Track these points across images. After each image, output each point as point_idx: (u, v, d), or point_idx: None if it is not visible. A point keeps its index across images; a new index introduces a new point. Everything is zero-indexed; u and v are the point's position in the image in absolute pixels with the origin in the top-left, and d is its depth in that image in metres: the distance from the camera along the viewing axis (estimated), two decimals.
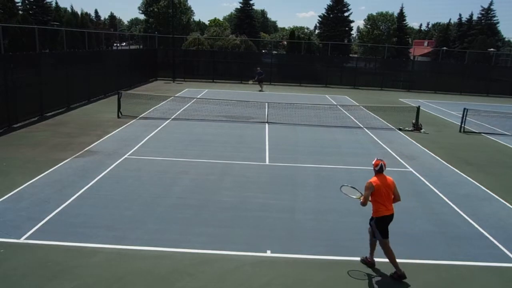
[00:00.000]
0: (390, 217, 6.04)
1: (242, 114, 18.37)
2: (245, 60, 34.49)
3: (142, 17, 71.06)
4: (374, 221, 6.04)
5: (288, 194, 9.19)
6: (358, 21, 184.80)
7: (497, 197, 9.64)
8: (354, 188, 6.30)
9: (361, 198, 6.06)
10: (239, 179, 9.98)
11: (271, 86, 31.41)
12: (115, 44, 36.89)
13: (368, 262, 6.33)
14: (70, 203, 8.02)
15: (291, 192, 9.28)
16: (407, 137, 15.76)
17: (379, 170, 6.08)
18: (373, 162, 6.18)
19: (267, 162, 11.48)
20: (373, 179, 6.04)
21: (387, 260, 6.47)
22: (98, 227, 7.14)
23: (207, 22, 78.26)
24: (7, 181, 9.02)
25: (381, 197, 5.96)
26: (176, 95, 23.31)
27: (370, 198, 6.02)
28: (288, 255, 6.52)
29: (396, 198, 6.21)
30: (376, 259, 6.54)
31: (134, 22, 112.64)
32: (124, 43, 41.37)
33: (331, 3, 59.18)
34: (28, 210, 7.62)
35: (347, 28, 60.61)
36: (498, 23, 61.77)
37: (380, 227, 5.98)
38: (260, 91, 27.83)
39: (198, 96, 23.14)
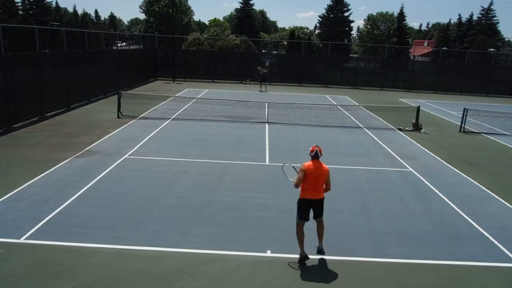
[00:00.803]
0: (314, 202, 6.24)
1: (242, 114, 18.37)
2: (245, 60, 34.51)
3: (142, 17, 71.16)
4: (298, 201, 6.35)
5: (288, 194, 9.15)
6: (358, 21, 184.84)
7: (497, 197, 9.64)
8: (294, 169, 6.53)
9: (296, 180, 6.24)
10: (239, 179, 9.98)
11: (271, 86, 31.41)
12: (119, 44, 36.98)
13: (302, 256, 6.29)
14: (70, 203, 8.02)
15: (291, 192, 9.24)
16: (407, 137, 15.77)
17: (314, 156, 6.27)
18: (310, 148, 6.38)
19: (267, 162, 11.49)
20: (308, 163, 6.23)
21: (386, 260, 6.49)
22: (98, 227, 7.14)
23: (207, 22, 78.35)
24: (7, 181, 9.02)
25: (310, 181, 6.15)
26: (176, 95, 23.32)
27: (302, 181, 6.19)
28: (288, 255, 6.52)
29: (327, 188, 6.37)
30: (375, 259, 6.55)
31: (134, 22, 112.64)
32: (124, 43, 41.39)
33: (331, 3, 59.22)
34: (28, 210, 7.62)
35: (347, 28, 60.64)
36: (498, 23, 61.87)
37: (300, 207, 6.27)
38: (260, 91, 27.83)
39: (198, 96, 23.14)
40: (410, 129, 16.97)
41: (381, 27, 64.04)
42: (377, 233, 7.47)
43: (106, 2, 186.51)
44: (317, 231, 6.40)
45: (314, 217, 6.37)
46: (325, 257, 6.52)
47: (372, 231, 7.54)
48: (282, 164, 6.77)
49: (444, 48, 49.50)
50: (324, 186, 6.31)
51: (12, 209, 7.61)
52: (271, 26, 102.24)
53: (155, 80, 32.02)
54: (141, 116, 17.03)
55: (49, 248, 6.37)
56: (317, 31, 73.49)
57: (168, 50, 34.97)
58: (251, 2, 61.03)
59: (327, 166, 6.33)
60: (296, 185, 6.24)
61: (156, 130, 14.63)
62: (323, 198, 6.32)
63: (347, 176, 10.61)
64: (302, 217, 6.29)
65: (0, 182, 8.94)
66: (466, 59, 41.57)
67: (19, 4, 49.25)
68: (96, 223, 7.26)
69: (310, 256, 6.30)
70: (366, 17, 70.99)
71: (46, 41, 31.43)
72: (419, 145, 14.50)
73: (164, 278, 5.78)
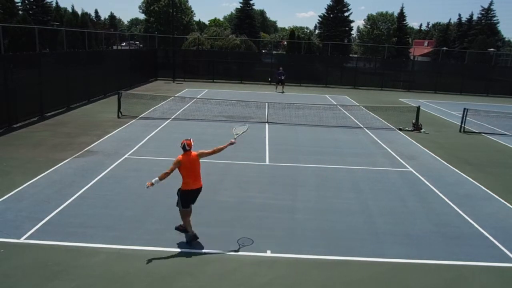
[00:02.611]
0: (196, 191, 6.68)
1: (242, 114, 18.37)
2: (245, 60, 34.51)
3: (142, 16, 71.08)
4: (180, 192, 6.65)
5: (288, 194, 9.19)
6: (358, 21, 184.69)
7: (497, 197, 9.65)
8: (244, 126, 7.28)
9: (168, 169, 6.52)
10: (239, 179, 9.98)
11: (271, 86, 31.40)
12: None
13: (180, 229, 6.77)
14: (70, 203, 8.02)
15: (291, 192, 9.28)
16: (407, 137, 15.77)
17: (183, 148, 6.62)
18: (181, 142, 6.71)
19: (267, 162, 11.49)
20: (180, 156, 6.62)
21: (386, 260, 6.50)
22: (98, 227, 7.14)
23: (207, 22, 78.36)
24: (7, 181, 9.02)
25: (188, 171, 6.56)
26: (176, 95, 23.31)
27: (181, 173, 6.58)
28: (288, 255, 6.52)
29: (214, 151, 6.96)
30: (375, 259, 6.55)
31: (134, 22, 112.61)
32: (124, 43, 41.39)
33: (331, 3, 59.13)
34: (28, 210, 7.63)
35: (347, 28, 60.55)
36: (498, 23, 61.75)
37: (183, 198, 6.61)
38: (280, 92, 27.64)
39: (198, 96, 23.14)
40: (410, 129, 16.97)
41: (381, 27, 64.02)
42: (377, 233, 7.47)
43: (106, 2, 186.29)
44: (183, 220, 6.72)
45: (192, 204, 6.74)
46: (325, 257, 6.53)
47: (372, 231, 7.54)
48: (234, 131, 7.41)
49: (444, 48, 49.46)
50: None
51: (12, 209, 7.61)
52: (271, 26, 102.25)
53: (155, 80, 32.02)
54: (141, 116, 17.03)
55: (49, 248, 6.37)
56: (317, 31, 73.47)
57: (168, 50, 34.97)
58: (251, 2, 60.96)
59: (195, 152, 6.71)
60: (166, 174, 6.47)
61: (156, 130, 14.63)
62: (201, 186, 6.75)
63: (347, 176, 10.61)
64: (186, 206, 6.66)
65: (0, 182, 8.94)
66: (466, 59, 41.55)
67: (19, 4, 49.25)
68: (96, 223, 7.27)
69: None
70: (366, 17, 71.04)
71: (46, 41, 31.39)
72: (419, 145, 14.50)
73: (164, 278, 5.78)
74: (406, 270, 6.29)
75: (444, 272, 6.31)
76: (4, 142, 12.18)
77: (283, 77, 27.93)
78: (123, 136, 13.53)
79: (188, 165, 6.56)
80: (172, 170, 6.48)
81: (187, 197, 6.63)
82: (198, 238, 6.69)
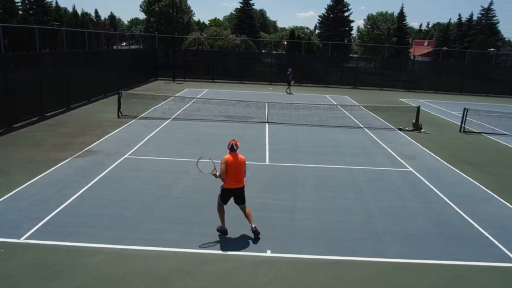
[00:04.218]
0: (237, 190, 6.92)
1: (242, 114, 18.37)
2: (245, 60, 34.50)
3: (142, 16, 71.13)
4: (221, 189, 6.95)
5: (288, 194, 9.18)
6: (358, 21, 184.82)
7: (497, 197, 9.65)
8: (213, 163, 6.98)
9: (216, 172, 6.87)
10: None
11: (271, 85, 31.42)
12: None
13: (222, 230, 7.09)
14: (70, 203, 8.02)
15: (291, 192, 9.28)
16: (407, 137, 15.77)
17: (231, 149, 6.88)
18: (228, 142, 6.98)
19: (267, 162, 11.48)
20: (227, 156, 6.87)
21: (386, 260, 6.50)
22: (98, 227, 7.14)
23: (207, 22, 78.36)
24: (7, 181, 9.02)
25: (232, 172, 6.80)
26: (176, 95, 23.32)
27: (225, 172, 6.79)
28: (288, 255, 6.52)
29: (244, 176, 7.05)
30: (375, 259, 6.55)
31: (134, 22, 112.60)
32: (124, 43, 41.39)
33: (331, 3, 59.13)
34: (28, 210, 7.63)
35: (347, 28, 60.53)
36: (498, 23, 61.77)
37: (222, 194, 6.93)
38: (288, 93, 27.61)
39: (198, 96, 23.14)
40: (410, 129, 16.97)
41: (381, 27, 64.02)
42: (377, 233, 7.47)
43: (106, 2, 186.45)
44: (245, 215, 7.04)
45: (238, 204, 7.04)
46: (325, 257, 6.53)
47: (372, 231, 7.54)
48: (197, 160, 7.29)
49: (444, 48, 49.47)
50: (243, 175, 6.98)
51: (12, 209, 7.61)
52: (271, 26, 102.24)
53: (155, 80, 32.02)
54: (141, 116, 17.03)
55: (49, 248, 6.37)
56: (317, 31, 73.46)
57: (168, 50, 34.97)
58: (251, 2, 60.97)
59: (243, 157, 6.96)
60: (220, 176, 6.82)
61: (156, 130, 14.63)
62: (244, 186, 6.97)
63: (347, 176, 10.61)
64: (224, 202, 7.00)
65: (0, 182, 8.94)
66: (466, 59, 41.53)
67: (19, 4, 49.26)
68: (96, 223, 7.27)
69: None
70: (366, 17, 71.04)
71: (46, 41, 31.38)
72: (419, 145, 14.50)
73: (164, 278, 5.78)
74: (406, 270, 6.29)
75: (444, 272, 6.31)
76: (4, 142, 12.18)
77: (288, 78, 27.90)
78: (123, 136, 13.53)
79: (233, 165, 6.79)
80: (224, 171, 6.74)
81: (225, 195, 6.93)
82: (227, 233, 7.06)
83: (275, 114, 18.05)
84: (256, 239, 6.93)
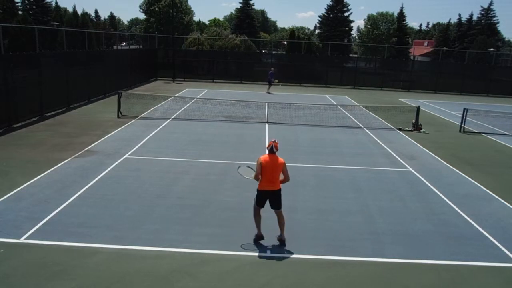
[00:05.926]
0: (271, 193, 6.69)
1: (242, 114, 18.37)
2: (245, 60, 34.51)
3: (142, 16, 71.12)
4: (257, 191, 6.78)
5: (288, 194, 9.14)
6: (358, 21, 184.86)
7: (497, 197, 9.65)
8: (250, 168, 6.89)
9: (255, 173, 6.69)
10: (239, 179, 9.94)
11: (271, 86, 31.34)
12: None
13: (257, 236, 6.88)
14: (70, 203, 8.02)
15: (291, 192, 9.26)
16: (407, 137, 15.77)
17: (270, 151, 6.68)
18: (268, 143, 6.80)
19: None
20: (263, 156, 6.67)
21: (386, 260, 6.50)
22: (98, 227, 7.14)
23: (207, 22, 78.35)
24: (7, 181, 9.02)
25: (266, 173, 6.59)
26: (176, 95, 23.31)
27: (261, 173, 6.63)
28: (288, 255, 6.52)
29: (285, 179, 6.78)
30: (375, 259, 6.55)
31: (134, 22, 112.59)
32: (124, 43, 41.38)
33: (331, 3, 59.18)
34: (28, 210, 7.62)
35: (347, 28, 60.58)
36: (498, 23, 61.80)
37: (257, 196, 6.76)
38: (269, 93, 27.67)
39: (198, 96, 23.14)
40: (410, 129, 16.97)
41: (381, 27, 64.04)
42: (377, 233, 7.47)
43: (106, 2, 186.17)
44: (278, 222, 6.84)
45: (273, 208, 6.80)
46: (325, 257, 6.53)
47: (372, 231, 7.54)
48: (237, 167, 7.12)
49: (444, 48, 49.47)
50: (281, 177, 6.73)
51: (12, 209, 7.61)
52: (271, 26, 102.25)
53: (155, 80, 32.02)
54: (141, 116, 17.03)
55: (49, 248, 6.36)
56: (317, 31, 73.49)
57: (168, 50, 34.97)
58: (251, 2, 61.01)
59: (282, 159, 6.70)
60: (256, 178, 6.65)
61: (156, 130, 14.63)
62: (279, 189, 6.72)
63: (347, 176, 10.61)
64: (260, 204, 6.79)
65: (0, 182, 8.94)
66: (466, 59, 41.53)
67: (19, 4, 49.25)
68: (96, 223, 7.27)
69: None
70: (366, 17, 71.06)
71: (46, 41, 31.36)
72: (419, 145, 14.50)
73: (164, 278, 5.78)
74: (406, 270, 6.29)
75: (443, 272, 6.31)
76: (4, 142, 12.18)
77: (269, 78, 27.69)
78: (123, 136, 13.53)
79: (268, 166, 6.57)
80: (258, 172, 6.58)
81: (260, 197, 6.75)
82: (263, 238, 6.86)
83: (275, 114, 18.05)
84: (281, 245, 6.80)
